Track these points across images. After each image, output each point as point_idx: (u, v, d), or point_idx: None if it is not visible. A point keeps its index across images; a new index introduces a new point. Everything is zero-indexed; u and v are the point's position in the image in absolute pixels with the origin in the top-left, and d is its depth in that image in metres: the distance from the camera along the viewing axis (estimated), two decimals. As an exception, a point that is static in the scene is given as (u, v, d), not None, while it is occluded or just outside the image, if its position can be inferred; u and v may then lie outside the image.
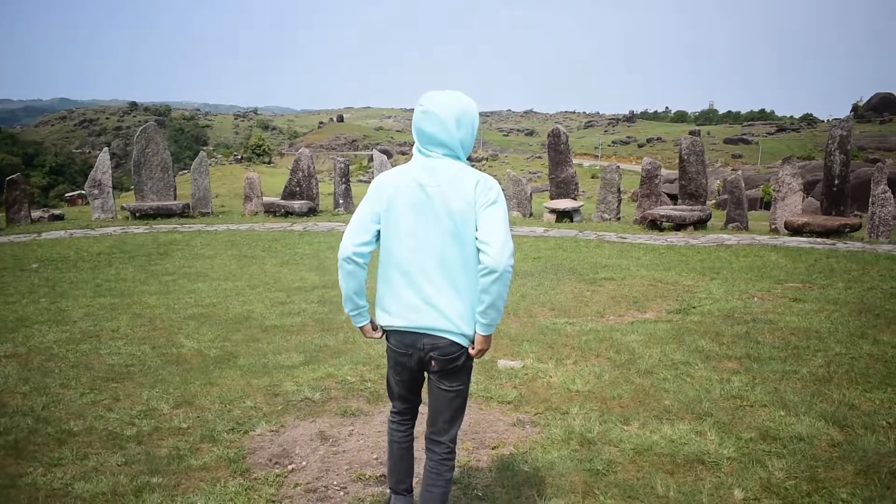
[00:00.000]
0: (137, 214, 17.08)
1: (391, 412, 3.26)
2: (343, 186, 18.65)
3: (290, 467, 4.07)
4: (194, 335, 7.07)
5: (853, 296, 8.39)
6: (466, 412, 3.26)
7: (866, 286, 8.96)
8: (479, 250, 2.74)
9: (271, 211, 17.85)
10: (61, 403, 5.10)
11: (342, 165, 18.93)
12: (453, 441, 3.01)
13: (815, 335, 6.61)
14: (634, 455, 4.07)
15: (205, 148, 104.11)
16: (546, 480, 3.78)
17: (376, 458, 4.16)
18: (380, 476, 3.93)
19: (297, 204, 17.59)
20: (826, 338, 6.50)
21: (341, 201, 18.51)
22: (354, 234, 2.88)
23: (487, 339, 2.90)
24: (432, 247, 2.80)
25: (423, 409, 3.22)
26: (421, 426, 3.27)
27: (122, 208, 17.77)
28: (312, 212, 17.79)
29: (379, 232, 2.91)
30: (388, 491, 3.31)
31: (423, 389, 3.21)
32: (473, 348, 2.89)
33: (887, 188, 14.43)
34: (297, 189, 18.17)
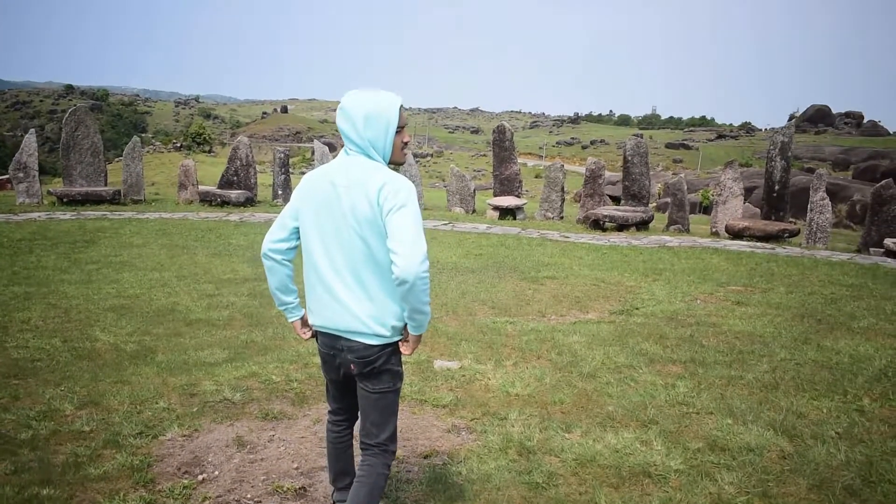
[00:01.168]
0: (65, 200, 16.23)
1: (328, 412, 3.21)
2: (282, 177, 18.12)
3: (200, 477, 3.68)
4: (111, 328, 6.59)
5: (794, 300, 8.33)
6: (399, 415, 3.05)
7: (807, 291, 8.93)
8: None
9: (207, 200, 17.23)
10: (-49, 401, 4.61)
11: (281, 155, 18.39)
12: (385, 443, 2.93)
13: (759, 340, 6.48)
14: (577, 467, 3.79)
15: (143, 135, 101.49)
16: (481, 495, 3.48)
17: (297, 468, 3.80)
18: (299, 488, 3.59)
19: (234, 194, 17.01)
20: (770, 343, 6.37)
21: (280, 192, 17.98)
22: (272, 231, 2.90)
23: (418, 337, 2.86)
24: (341, 247, 2.74)
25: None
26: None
27: (49, 193, 16.91)
28: (250, 202, 17.24)
29: (298, 229, 2.88)
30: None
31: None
32: (404, 345, 2.86)
33: (825, 196, 14.62)
34: (235, 178, 17.59)
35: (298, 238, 2.89)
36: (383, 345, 2.79)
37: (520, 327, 6.78)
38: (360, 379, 2.88)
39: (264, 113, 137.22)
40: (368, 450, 2.93)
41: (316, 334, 2.98)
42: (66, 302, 7.57)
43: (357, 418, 3.14)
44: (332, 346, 2.87)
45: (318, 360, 5.58)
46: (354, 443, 3.20)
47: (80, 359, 5.67)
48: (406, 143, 2.90)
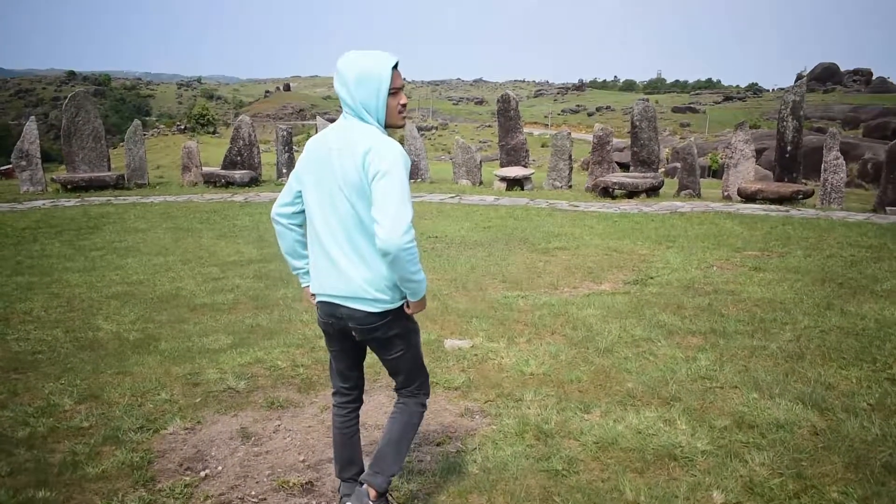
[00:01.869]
0: (69, 187, 16.09)
1: (333, 395, 3.13)
2: (286, 155, 17.91)
3: (202, 474, 3.51)
4: (114, 316, 6.44)
5: (814, 264, 8.10)
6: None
7: (825, 254, 8.69)
8: None
9: (211, 181, 17.04)
10: (-53, 399, 4.46)
11: (284, 133, 18.16)
12: (419, 388, 3.01)
13: (780, 307, 6.26)
14: (598, 451, 3.60)
15: (147, 118, 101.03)
16: (498, 485, 3.29)
17: (303, 461, 3.63)
18: (306, 483, 3.41)
19: (238, 174, 16.82)
20: (792, 309, 6.16)
21: (284, 170, 17.78)
22: (281, 196, 2.89)
23: (418, 302, 2.80)
24: (335, 212, 2.70)
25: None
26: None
27: (53, 180, 16.75)
28: (254, 182, 17.05)
29: (302, 193, 2.85)
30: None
31: (363, 368, 3.11)
32: (407, 308, 2.82)
33: (839, 155, 14.29)
34: (238, 158, 17.38)
35: (304, 202, 2.85)
36: (384, 311, 2.73)
37: (532, 301, 6.58)
38: (371, 348, 2.90)
39: (267, 92, 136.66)
40: (401, 392, 3.01)
41: (316, 304, 2.92)
42: (69, 291, 7.42)
43: (362, 401, 3.14)
44: (332, 314, 2.81)
45: (325, 342, 5.44)
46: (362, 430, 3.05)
47: (82, 349, 5.52)
48: (404, 106, 2.79)
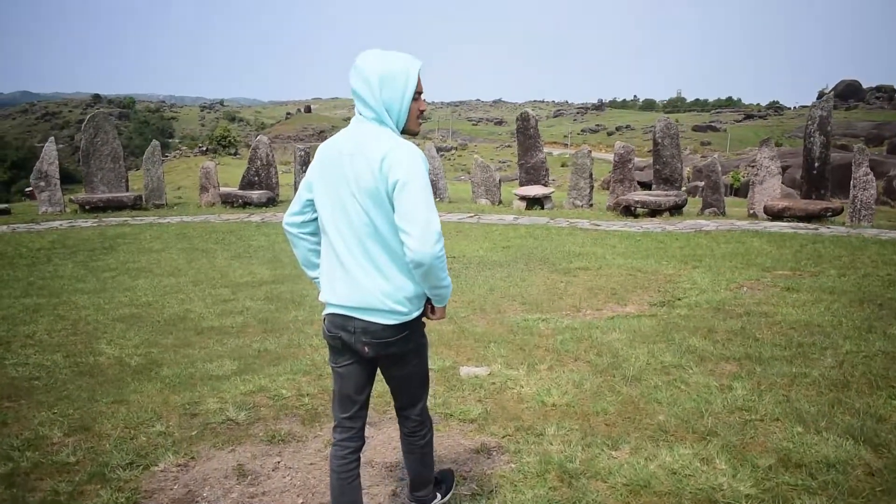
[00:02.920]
0: (87, 207, 16.03)
1: (333, 433, 2.90)
2: (304, 175, 17.73)
3: (192, 518, 3.21)
4: (118, 340, 6.19)
5: (849, 284, 7.70)
6: None
7: (861, 273, 8.29)
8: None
9: (229, 202, 16.92)
10: (-68, 431, 4.19)
11: (302, 153, 17.99)
12: (421, 413, 2.90)
13: (818, 330, 5.88)
14: (629, 495, 3.24)
15: (170, 140, 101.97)
16: (517, 536, 2.96)
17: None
18: (305, 531, 3.10)
19: (255, 194, 16.69)
20: (831, 333, 5.77)
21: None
22: (291, 205, 2.79)
23: (442, 309, 2.73)
24: (347, 220, 2.55)
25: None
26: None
27: (71, 201, 16.69)
28: (272, 202, 16.91)
29: (312, 201, 2.71)
30: None
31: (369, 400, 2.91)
32: (431, 315, 2.74)
33: (869, 171, 13.86)
34: (256, 179, 17.26)
35: (315, 211, 2.72)
36: (402, 324, 2.60)
37: (553, 325, 6.25)
38: (382, 365, 2.75)
39: (288, 114, 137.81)
40: (405, 422, 2.93)
41: (323, 317, 2.76)
42: (75, 313, 7.20)
43: (364, 441, 2.91)
44: (343, 326, 2.64)
45: (329, 360, 5.13)
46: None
47: (81, 375, 5.26)
48: (422, 112, 2.69)
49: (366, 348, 2.62)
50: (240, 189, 17.29)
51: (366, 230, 2.52)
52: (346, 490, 2.80)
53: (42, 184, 16.27)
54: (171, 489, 3.46)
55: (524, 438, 3.88)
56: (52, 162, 16.29)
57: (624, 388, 4.62)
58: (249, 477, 3.57)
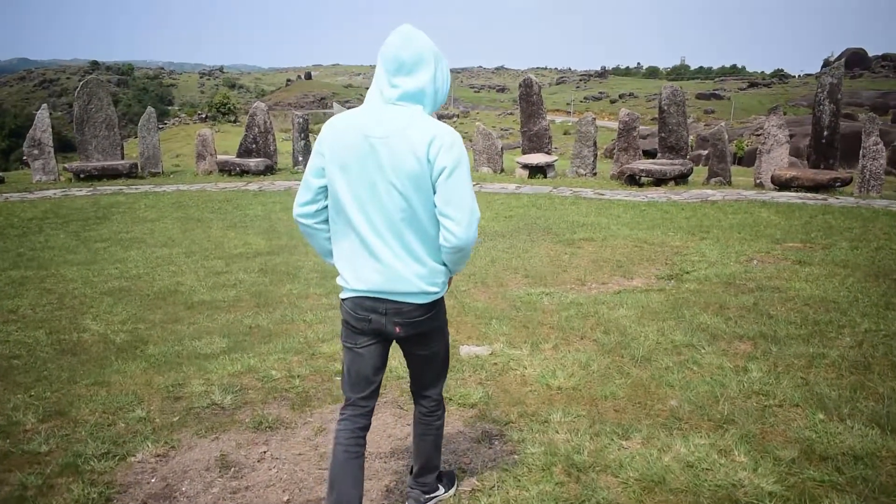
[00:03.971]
0: (81, 176, 15.68)
1: (340, 411, 2.77)
2: (302, 143, 17.39)
3: (168, 515, 2.97)
4: (105, 315, 5.96)
5: (863, 258, 7.44)
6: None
7: (873, 246, 8.02)
8: (440, 222, 2.46)
9: (226, 170, 16.57)
10: None
11: (301, 120, 17.64)
12: (440, 394, 2.87)
13: (833, 306, 5.63)
14: (642, 492, 2.98)
15: (170, 108, 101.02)
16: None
17: (287, 501, 3.06)
18: (289, 531, 2.86)
19: (252, 162, 16.35)
20: (848, 310, 5.52)
21: (300, 158, 17.28)
22: (299, 194, 2.61)
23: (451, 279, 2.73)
24: (377, 205, 2.44)
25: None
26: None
27: (65, 169, 16.37)
28: (270, 170, 16.57)
29: (325, 187, 2.55)
30: None
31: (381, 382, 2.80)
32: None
33: (879, 140, 13.49)
34: (254, 146, 16.91)
35: (326, 197, 2.58)
36: (432, 303, 2.58)
37: (558, 300, 5.99)
38: (408, 345, 2.69)
39: (288, 80, 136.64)
40: (424, 402, 2.85)
41: (341, 301, 2.66)
42: (62, 286, 6.97)
43: (370, 422, 2.80)
44: (374, 309, 2.55)
45: (326, 349, 4.86)
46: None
47: (63, 354, 5.03)
48: None
49: (397, 328, 2.57)
50: (237, 157, 16.95)
51: (401, 215, 2.43)
52: (349, 465, 2.64)
53: (35, 152, 15.92)
54: (148, 483, 3.21)
55: (528, 426, 3.63)
56: (46, 129, 15.92)
57: (633, 369, 4.37)
58: (233, 469, 3.31)
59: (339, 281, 2.62)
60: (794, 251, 7.88)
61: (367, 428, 2.74)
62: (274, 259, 8.05)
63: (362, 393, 2.70)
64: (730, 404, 3.80)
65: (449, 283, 2.68)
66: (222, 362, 4.68)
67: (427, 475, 2.94)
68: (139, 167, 16.43)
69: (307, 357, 4.73)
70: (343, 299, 2.63)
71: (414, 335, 2.62)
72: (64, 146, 15.42)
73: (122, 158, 16.50)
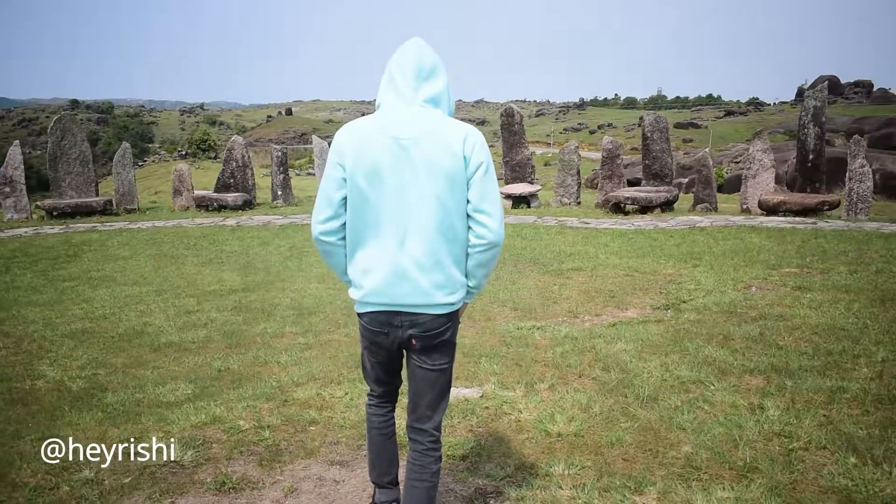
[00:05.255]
0: (54, 213, 15.25)
1: (368, 395, 2.90)
2: (281, 177, 17.05)
3: None
4: (63, 360, 5.52)
5: (864, 282, 7.13)
6: None
7: (873, 269, 7.73)
8: (472, 220, 2.48)
9: (203, 205, 16.18)
10: None
11: (279, 154, 17.30)
12: (438, 429, 2.70)
13: (844, 334, 5.28)
14: (666, 562, 2.58)
15: (150, 145, 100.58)
16: None
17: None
18: None
19: (230, 197, 15.97)
20: (859, 338, 5.17)
21: (279, 192, 16.92)
22: (318, 211, 2.54)
23: (466, 305, 2.70)
24: (408, 210, 2.42)
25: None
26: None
27: (38, 207, 15.90)
28: (248, 205, 16.19)
29: (345, 199, 2.50)
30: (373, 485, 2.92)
31: (402, 370, 2.79)
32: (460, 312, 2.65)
33: (865, 162, 13.37)
34: (232, 181, 16.54)
35: (346, 211, 2.53)
36: (448, 314, 2.54)
37: (550, 334, 5.61)
38: (420, 355, 2.60)
39: (269, 116, 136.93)
40: (420, 437, 2.66)
41: (358, 313, 2.62)
42: (22, 328, 6.53)
43: (397, 399, 2.89)
44: (389, 322, 2.53)
45: (300, 394, 4.43)
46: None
47: (12, 404, 4.58)
48: None
49: (413, 341, 2.55)
50: (215, 192, 16.57)
51: (432, 217, 2.41)
52: (385, 444, 2.81)
53: (7, 189, 15.45)
54: (89, 561, 2.77)
55: (527, 481, 3.20)
56: (18, 167, 15.49)
57: (639, 410, 3.96)
58: (187, 545, 2.88)
59: (350, 293, 2.58)
60: (791, 277, 7.56)
61: (393, 404, 2.87)
62: (249, 296, 7.64)
63: (386, 388, 2.81)
64: (750, 449, 3.40)
65: (462, 308, 2.64)
66: (186, 412, 4.23)
67: None
68: (114, 204, 16.05)
69: (279, 404, 4.30)
70: (359, 314, 2.60)
71: (431, 347, 2.57)
72: (42, 185, 15.06)
73: (97, 195, 16.10)
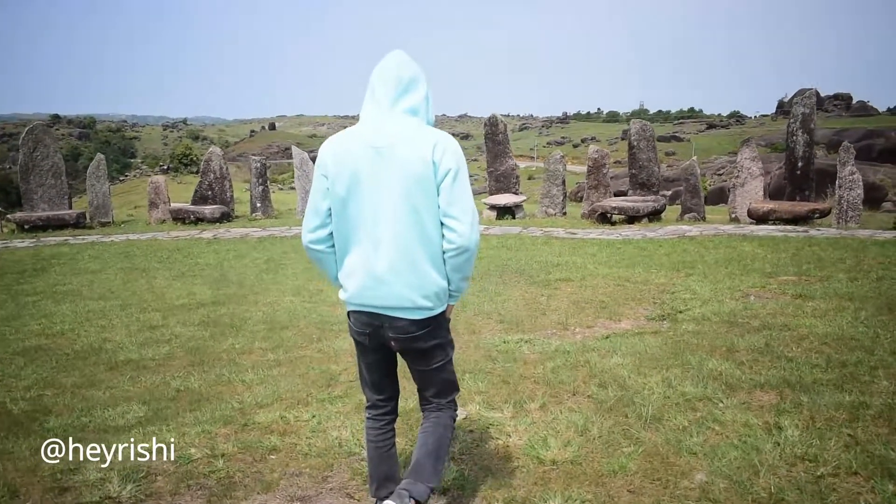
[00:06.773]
0: (25, 227, 14.77)
1: (365, 408, 2.89)
2: (260, 188, 16.60)
3: None
4: (9, 380, 5.09)
5: (866, 289, 6.78)
6: None
7: (873, 277, 7.38)
8: (444, 225, 2.50)
9: (180, 218, 15.69)
10: None
11: (258, 165, 16.85)
12: (452, 402, 2.80)
13: (856, 344, 4.89)
14: None
15: (132, 160, 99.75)
16: None
17: None
18: None
19: (208, 209, 15.50)
20: (873, 348, 4.78)
21: (259, 204, 16.47)
22: (308, 219, 2.65)
23: (452, 307, 2.71)
24: (384, 215, 2.48)
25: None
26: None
27: (8, 220, 15.39)
28: (226, 217, 15.73)
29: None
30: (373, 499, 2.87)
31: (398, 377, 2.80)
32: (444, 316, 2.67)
33: (855, 170, 13.12)
34: (209, 193, 16.09)
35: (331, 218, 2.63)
36: (427, 318, 2.57)
37: (540, 348, 5.18)
38: (408, 359, 2.71)
39: (252, 131, 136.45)
40: (430, 406, 2.78)
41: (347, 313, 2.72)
42: (-29, 346, 6.02)
43: (398, 413, 2.91)
44: (370, 323, 2.62)
45: (262, 417, 3.98)
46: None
47: (-59, 432, 4.08)
48: None
49: (392, 343, 2.62)
50: (192, 204, 16.09)
51: (407, 222, 2.46)
52: (384, 458, 2.77)
53: (-25, 204, 14.95)
54: None
55: (520, 519, 2.76)
56: (-14, 181, 15.01)
57: (642, 432, 3.52)
58: None
59: (340, 294, 2.66)
60: (790, 285, 7.19)
61: (394, 420, 2.85)
62: (219, 310, 7.18)
63: (382, 395, 2.80)
64: (773, 476, 2.97)
65: (449, 310, 2.66)
66: (134, 436, 3.77)
67: (418, 481, 2.61)
68: (88, 217, 15.58)
69: (238, 428, 3.84)
70: (347, 313, 2.70)
71: (411, 350, 2.64)
72: (19, 199, 14.64)
73: (70, 208, 15.57)
